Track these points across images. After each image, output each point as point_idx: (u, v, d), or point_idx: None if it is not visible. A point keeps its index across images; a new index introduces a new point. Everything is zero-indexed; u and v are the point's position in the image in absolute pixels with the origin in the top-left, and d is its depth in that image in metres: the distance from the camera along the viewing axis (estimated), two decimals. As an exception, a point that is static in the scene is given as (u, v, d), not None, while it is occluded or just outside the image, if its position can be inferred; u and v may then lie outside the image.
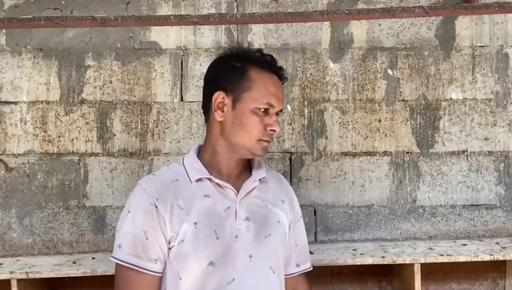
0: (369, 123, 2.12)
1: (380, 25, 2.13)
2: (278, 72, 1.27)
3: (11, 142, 2.07)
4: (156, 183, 1.20)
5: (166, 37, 2.10)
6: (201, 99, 1.32)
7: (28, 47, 2.09)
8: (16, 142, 2.07)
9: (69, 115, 2.08)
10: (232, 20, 1.78)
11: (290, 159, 2.12)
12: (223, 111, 1.22)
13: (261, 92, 1.20)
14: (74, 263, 1.86)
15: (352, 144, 2.12)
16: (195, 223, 1.17)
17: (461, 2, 2.07)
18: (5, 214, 2.06)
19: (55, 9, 2.08)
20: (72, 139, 2.08)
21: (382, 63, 2.13)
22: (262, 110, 1.20)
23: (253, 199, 1.26)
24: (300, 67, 2.12)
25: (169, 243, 1.17)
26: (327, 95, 2.12)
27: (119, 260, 1.16)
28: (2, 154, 2.06)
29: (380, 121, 2.12)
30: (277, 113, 1.24)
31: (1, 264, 1.86)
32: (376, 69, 2.13)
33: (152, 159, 2.09)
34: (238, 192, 1.23)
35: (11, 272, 1.72)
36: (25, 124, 2.07)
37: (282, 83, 1.29)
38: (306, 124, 2.12)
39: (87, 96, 2.09)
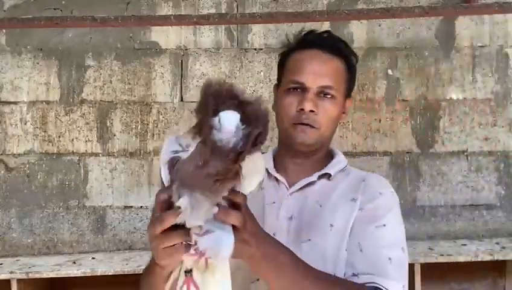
0: (369, 123, 2.12)
1: (380, 25, 2.13)
2: (319, 46, 1.11)
3: (11, 142, 2.07)
4: None
5: (166, 37, 2.10)
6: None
7: (28, 47, 2.09)
8: (16, 142, 2.07)
9: (69, 115, 2.08)
10: (232, 20, 1.78)
11: (290, 159, 2.11)
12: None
13: (291, 72, 1.09)
14: (74, 263, 1.86)
15: (352, 144, 2.12)
16: None
17: (461, 2, 2.07)
18: (5, 214, 2.05)
19: (55, 9, 2.08)
20: (72, 139, 2.08)
21: (382, 63, 2.13)
22: (294, 89, 1.07)
23: (306, 197, 1.08)
24: (300, 67, 2.12)
25: None
26: (327, 95, 2.12)
27: None
28: (2, 154, 2.06)
29: (380, 121, 2.12)
30: (324, 93, 1.08)
31: (1, 264, 1.86)
32: (376, 69, 2.13)
33: (152, 159, 2.08)
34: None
35: (11, 272, 1.72)
36: (25, 124, 2.07)
37: (338, 55, 1.13)
38: (306, 124, 2.11)
39: (87, 96, 2.09)
